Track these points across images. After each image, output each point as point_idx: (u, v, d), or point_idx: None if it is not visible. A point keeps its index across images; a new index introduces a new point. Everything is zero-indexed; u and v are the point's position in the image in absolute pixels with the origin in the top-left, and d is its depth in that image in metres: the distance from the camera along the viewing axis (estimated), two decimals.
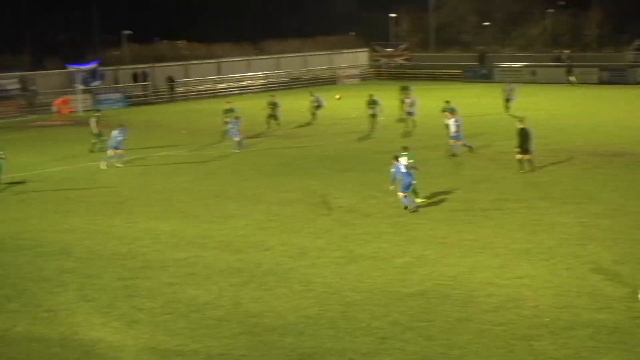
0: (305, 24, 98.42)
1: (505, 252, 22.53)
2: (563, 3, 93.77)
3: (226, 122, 43.27)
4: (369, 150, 39.72)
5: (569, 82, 71.40)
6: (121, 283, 20.55)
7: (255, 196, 30.19)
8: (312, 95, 52.49)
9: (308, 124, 50.30)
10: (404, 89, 52.13)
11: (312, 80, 79.41)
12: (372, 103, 46.64)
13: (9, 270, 21.77)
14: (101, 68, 65.74)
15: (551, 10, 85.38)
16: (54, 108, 55.92)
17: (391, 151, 34.03)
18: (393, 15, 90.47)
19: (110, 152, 36.54)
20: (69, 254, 23.18)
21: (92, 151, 40.81)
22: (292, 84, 77.80)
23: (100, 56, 73.33)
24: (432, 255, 22.32)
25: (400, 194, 27.34)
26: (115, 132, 36.76)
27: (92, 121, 41.45)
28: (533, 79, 74.62)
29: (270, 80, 76.66)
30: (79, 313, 18.58)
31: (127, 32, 73.62)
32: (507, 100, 52.57)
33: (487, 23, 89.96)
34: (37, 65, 70.68)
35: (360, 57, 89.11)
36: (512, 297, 18.96)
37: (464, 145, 37.70)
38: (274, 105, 47.79)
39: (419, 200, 28.03)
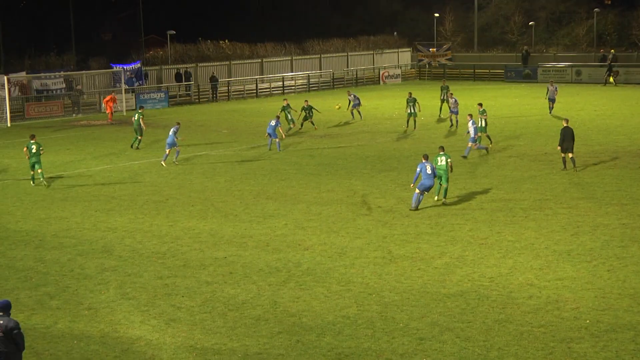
0: (348, 24, 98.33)
1: (546, 253, 22.32)
2: (609, 2, 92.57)
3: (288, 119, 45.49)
4: (410, 150, 39.57)
5: (606, 83, 70.81)
6: (161, 282, 20.70)
7: (295, 196, 30.24)
8: (349, 94, 52.43)
9: (347, 123, 50.26)
10: (445, 89, 51.97)
11: (354, 80, 79.41)
12: (411, 101, 46.52)
13: (51, 268, 22.03)
14: (145, 68, 66.42)
15: (597, 10, 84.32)
16: (103, 106, 56.56)
17: (431, 151, 33.94)
18: (437, 15, 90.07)
19: (175, 149, 37.33)
20: (110, 253, 23.41)
21: (132, 146, 42.36)
22: (335, 83, 77.81)
23: (144, 56, 73.98)
24: (472, 256, 22.18)
25: (417, 191, 27.46)
26: (172, 130, 37.56)
27: (139, 118, 42.05)
28: (578, 79, 73.92)
29: (313, 79, 76.73)
30: (119, 311, 18.76)
31: (171, 32, 74.19)
32: (550, 100, 52.07)
33: (531, 23, 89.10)
34: (83, 65, 71.44)
35: (403, 56, 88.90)
36: (552, 298, 18.79)
37: (479, 148, 37.64)
38: (308, 110, 47.68)
39: (436, 198, 28.63)
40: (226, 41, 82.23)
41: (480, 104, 40.53)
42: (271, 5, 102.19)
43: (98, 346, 16.80)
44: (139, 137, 42.26)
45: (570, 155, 33.15)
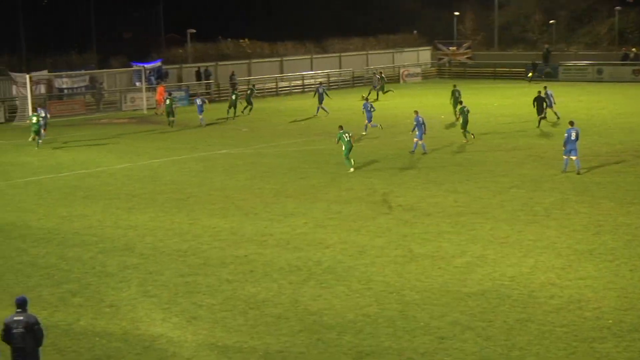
0: (368, 22, 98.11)
1: (568, 252, 22.22)
2: (631, 0, 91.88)
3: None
4: (430, 148, 39.40)
5: (528, 80, 72.90)
6: (182, 279, 20.77)
7: (315, 194, 30.24)
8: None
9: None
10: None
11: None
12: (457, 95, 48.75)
13: (73, 266, 22.16)
14: (165, 66, 66.58)
15: (618, 8, 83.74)
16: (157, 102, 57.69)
17: (451, 150, 33.89)
18: (457, 13, 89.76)
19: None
20: (131, 250, 23.50)
21: (170, 125, 49.81)
22: (354, 82, 77.72)
23: (165, 54, 74.18)
24: (493, 255, 22.12)
25: (572, 157, 32.14)
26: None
27: (171, 103, 50.18)
28: (599, 78, 73.49)
29: (332, 78, 76.68)
30: (140, 308, 18.84)
31: (191, 30, 74.35)
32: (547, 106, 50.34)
33: (552, 21, 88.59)
34: (103, 63, 71.68)
35: (423, 55, 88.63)
36: (574, 298, 18.71)
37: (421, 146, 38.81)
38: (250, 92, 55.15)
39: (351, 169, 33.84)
40: (246, 40, 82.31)
41: (461, 102, 43.87)
42: (291, 4, 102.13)
43: (120, 343, 16.89)
44: (172, 119, 49.64)
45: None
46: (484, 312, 18.01)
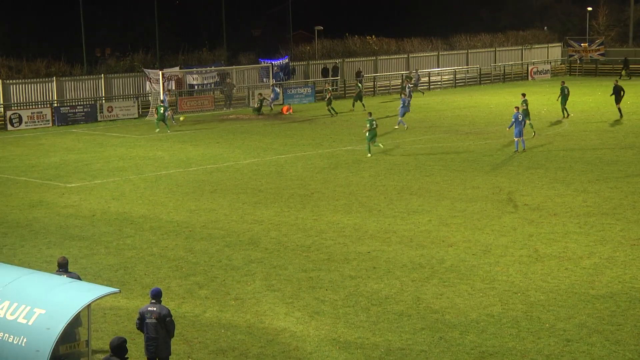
0: (496, 19, 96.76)
1: None
2: None
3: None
4: (558, 147, 38.63)
5: (621, 77, 70.69)
6: (305, 274, 20.99)
7: (439, 192, 30.03)
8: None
9: (491, 123, 49.48)
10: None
11: (501, 75, 78.10)
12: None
13: (200, 258, 22.69)
14: (292, 63, 67.35)
15: None
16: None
17: (581, 148, 33.05)
18: (590, 8, 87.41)
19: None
20: (256, 245, 23.89)
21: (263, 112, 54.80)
22: (482, 79, 76.73)
23: (292, 51, 74.99)
24: (623, 257, 21.48)
25: None
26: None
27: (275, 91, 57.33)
28: None
29: (459, 75, 75.93)
30: (264, 302, 19.13)
31: (318, 27, 74.91)
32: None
33: None
34: (233, 60, 73.04)
35: (553, 52, 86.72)
36: None
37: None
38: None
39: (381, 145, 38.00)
40: (373, 36, 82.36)
41: (524, 94, 43.73)
42: (419, 0, 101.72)
43: (244, 336, 17.20)
44: (264, 105, 55.47)
45: None
46: (613, 315, 17.52)
